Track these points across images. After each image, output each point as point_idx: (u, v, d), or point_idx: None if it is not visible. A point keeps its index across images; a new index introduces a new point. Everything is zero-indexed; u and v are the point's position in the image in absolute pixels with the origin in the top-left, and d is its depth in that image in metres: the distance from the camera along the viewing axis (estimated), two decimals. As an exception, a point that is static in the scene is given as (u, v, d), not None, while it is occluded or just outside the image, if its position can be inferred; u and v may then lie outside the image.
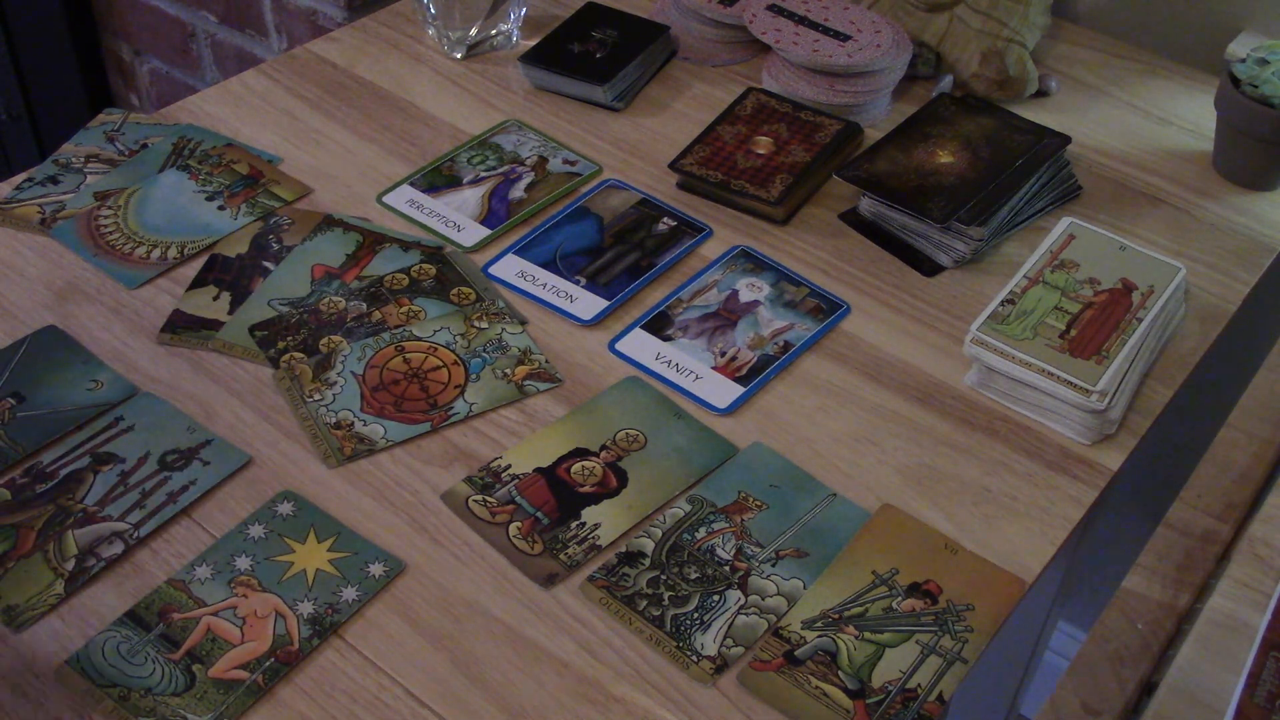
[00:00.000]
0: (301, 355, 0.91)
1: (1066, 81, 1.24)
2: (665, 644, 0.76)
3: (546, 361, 0.92)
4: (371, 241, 1.01)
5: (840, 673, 0.76)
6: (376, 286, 0.97)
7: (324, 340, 0.92)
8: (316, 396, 0.89)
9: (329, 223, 1.03)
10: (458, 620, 0.77)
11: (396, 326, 0.94)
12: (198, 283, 0.98)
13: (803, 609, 0.79)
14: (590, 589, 0.79)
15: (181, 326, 0.94)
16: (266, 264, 0.99)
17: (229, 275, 0.98)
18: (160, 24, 1.72)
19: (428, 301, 0.96)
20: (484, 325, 0.94)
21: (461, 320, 0.94)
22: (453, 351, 0.92)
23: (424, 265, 0.99)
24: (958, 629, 0.78)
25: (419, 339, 0.93)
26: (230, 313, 0.95)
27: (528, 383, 0.90)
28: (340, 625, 0.76)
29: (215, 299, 0.96)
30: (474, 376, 0.90)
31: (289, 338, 0.93)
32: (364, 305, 0.96)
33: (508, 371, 0.91)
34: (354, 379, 0.90)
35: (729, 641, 0.77)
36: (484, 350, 0.92)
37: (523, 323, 0.96)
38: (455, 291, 0.97)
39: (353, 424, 0.87)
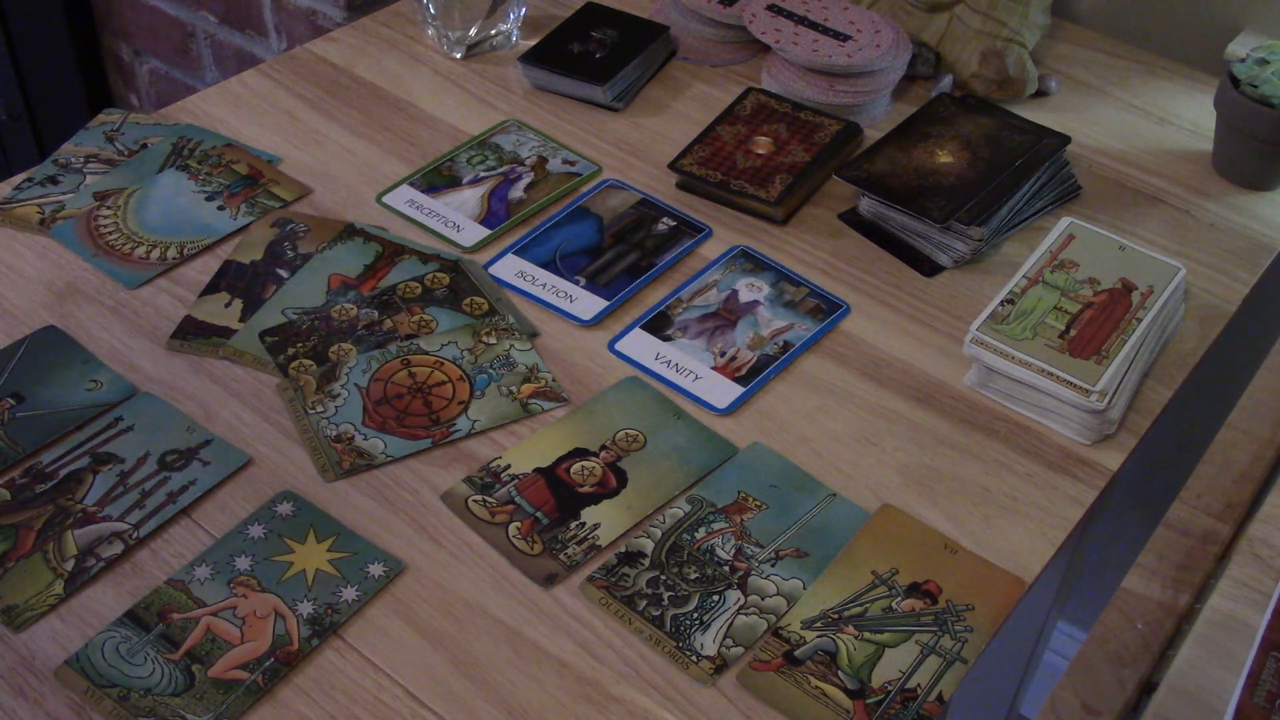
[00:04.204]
0: (310, 363, 0.91)
1: (1066, 81, 1.24)
2: (665, 644, 0.76)
3: (554, 380, 0.91)
4: (391, 253, 1.01)
5: (840, 673, 0.76)
6: (389, 294, 0.97)
7: (333, 348, 0.92)
8: (319, 408, 0.88)
9: (350, 232, 1.02)
10: (457, 620, 0.77)
11: (407, 336, 0.94)
12: (210, 289, 0.97)
13: (802, 609, 0.79)
14: (590, 589, 0.79)
15: (192, 333, 0.94)
16: (280, 271, 0.99)
17: (242, 282, 0.98)
18: (160, 24, 1.72)
19: (439, 311, 0.96)
20: (492, 341, 0.93)
21: (470, 335, 0.93)
22: (459, 367, 0.92)
23: (438, 274, 0.99)
24: (957, 629, 0.78)
25: (425, 353, 0.92)
26: (242, 320, 0.95)
27: (533, 401, 0.90)
28: (340, 625, 0.76)
29: (227, 306, 0.96)
30: (479, 393, 0.90)
31: (299, 344, 0.93)
32: (375, 313, 0.95)
33: (513, 389, 0.90)
34: (357, 391, 0.89)
35: (729, 641, 0.77)
36: (491, 367, 0.91)
37: (534, 335, 0.95)
38: (468, 301, 0.97)
39: (353, 437, 0.87)
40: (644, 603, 0.78)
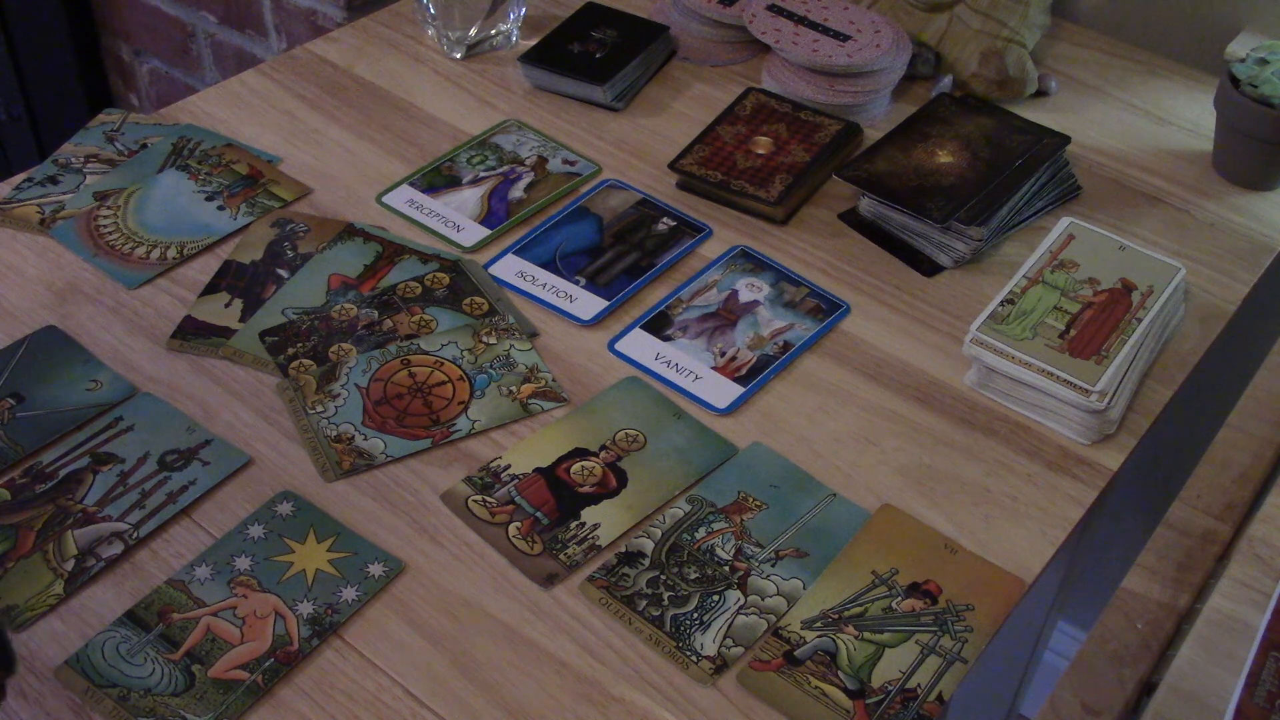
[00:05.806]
0: (310, 363, 0.91)
1: (1066, 81, 1.24)
2: (665, 644, 0.76)
3: (554, 380, 0.91)
4: (391, 253, 1.01)
5: (840, 673, 0.76)
6: (389, 294, 0.97)
7: (333, 348, 0.92)
8: (319, 408, 0.88)
9: (350, 232, 1.02)
10: (457, 620, 0.77)
11: (407, 336, 0.94)
12: (210, 289, 0.97)
13: (802, 609, 0.79)
14: (590, 589, 0.79)
15: (192, 333, 0.94)
16: (281, 271, 0.99)
17: (242, 282, 0.98)
18: (160, 24, 1.72)
19: (439, 311, 0.96)
20: (492, 341, 0.93)
21: (470, 335, 0.93)
22: (459, 367, 0.92)
23: (438, 274, 0.99)
24: (957, 629, 0.78)
25: (425, 353, 0.92)
26: (242, 320, 0.95)
27: (533, 401, 0.90)
28: (340, 625, 0.76)
29: (227, 306, 0.96)
30: (479, 393, 0.90)
31: (299, 344, 0.93)
32: (375, 313, 0.95)
33: (513, 389, 0.90)
34: (357, 391, 0.89)
35: (728, 641, 0.77)
36: (491, 366, 0.91)
37: (534, 335, 0.95)
38: (468, 301, 0.97)
39: (353, 438, 0.87)
40: (644, 603, 0.78)
